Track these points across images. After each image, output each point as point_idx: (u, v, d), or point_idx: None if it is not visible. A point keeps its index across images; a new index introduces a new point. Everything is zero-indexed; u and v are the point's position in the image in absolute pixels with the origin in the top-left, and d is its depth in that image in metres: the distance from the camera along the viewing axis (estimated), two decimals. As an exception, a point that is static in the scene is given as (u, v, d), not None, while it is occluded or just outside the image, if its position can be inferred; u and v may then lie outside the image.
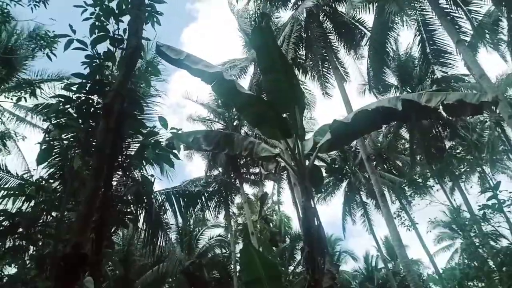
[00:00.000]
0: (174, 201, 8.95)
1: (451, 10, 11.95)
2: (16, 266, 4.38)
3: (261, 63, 6.12)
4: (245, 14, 18.58)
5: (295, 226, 24.30)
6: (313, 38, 15.48)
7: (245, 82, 18.25)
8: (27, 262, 4.18)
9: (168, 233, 9.03)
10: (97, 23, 4.76)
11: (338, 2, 15.95)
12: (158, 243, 8.19)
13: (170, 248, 9.45)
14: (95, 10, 4.76)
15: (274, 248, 22.12)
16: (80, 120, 4.56)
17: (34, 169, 5.14)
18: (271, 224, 22.89)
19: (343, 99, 14.31)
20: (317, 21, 15.86)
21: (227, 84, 5.99)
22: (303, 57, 16.81)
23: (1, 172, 8.01)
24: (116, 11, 4.83)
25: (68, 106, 4.66)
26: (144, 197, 7.13)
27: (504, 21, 12.73)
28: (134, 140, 5.55)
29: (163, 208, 8.62)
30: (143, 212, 7.62)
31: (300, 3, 16.15)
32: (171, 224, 9.24)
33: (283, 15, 17.34)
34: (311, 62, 16.61)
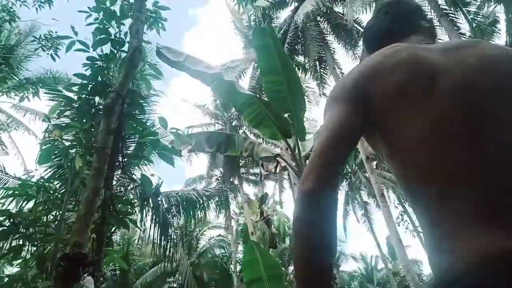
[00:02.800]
0: (174, 204, 9.00)
1: (450, 11, 12.00)
2: (18, 265, 4.40)
3: (262, 63, 6.15)
4: (243, 15, 18.62)
5: (295, 226, 24.29)
6: (310, 38, 15.52)
7: (244, 83, 18.27)
8: (28, 261, 4.19)
9: (176, 233, 9.07)
10: (100, 26, 4.83)
11: (335, 3, 15.98)
12: (167, 244, 8.21)
13: (176, 248, 9.47)
14: (99, 15, 4.83)
15: (272, 249, 22.04)
16: (81, 121, 4.59)
17: (36, 169, 5.15)
18: (272, 225, 22.83)
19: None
20: (314, 21, 15.89)
21: (226, 85, 6.02)
22: (301, 57, 16.84)
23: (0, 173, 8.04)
24: (118, 14, 4.89)
25: (69, 106, 4.70)
26: (150, 198, 7.18)
27: (502, 22, 12.79)
28: (134, 140, 5.57)
29: (171, 211, 8.66)
30: (149, 213, 7.65)
31: (297, 4, 16.19)
32: (176, 224, 9.27)
33: (280, 16, 17.36)
34: (308, 63, 16.65)
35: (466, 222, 0.67)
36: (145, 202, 7.42)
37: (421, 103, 0.79)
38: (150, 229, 7.82)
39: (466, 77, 0.81)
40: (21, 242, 4.17)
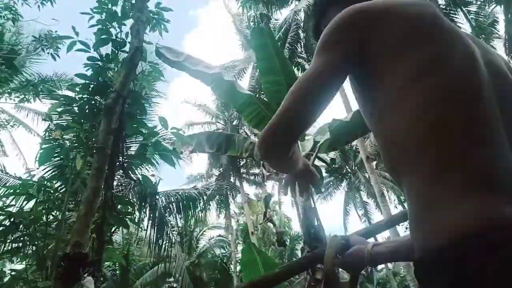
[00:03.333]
0: (174, 203, 9.02)
1: (450, 11, 12.01)
2: (19, 263, 4.42)
3: (261, 63, 6.16)
4: (242, 16, 18.65)
5: (295, 226, 24.36)
6: (310, 37, 15.49)
7: (244, 83, 18.29)
8: (29, 260, 4.20)
9: (173, 232, 9.09)
10: (102, 27, 4.86)
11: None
12: (163, 243, 8.24)
13: (172, 248, 9.51)
14: (101, 17, 4.86)
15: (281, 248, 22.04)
16: (82, 120, 4.61)
17: (37, 168, 5.16)
18: (276, 224, 22.88)
19: (342, 98, 14.37)
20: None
21: (226, 85, 6.03)
22: (302, 57, 16.83)
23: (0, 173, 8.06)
24: (119, 15, 4.92)
25: (70, 106, 4.71)
26: (148, 198, 7.19)
27: (501, 23, 12.81)
28: (135, 140, 5.59)
29: (168, 210, 8.68)
30: (147, 213, 7.67)
31: (297, 3, 16.19)
32: (173, 223, 9.28)
33: (280, 17, 17.36)
34: (308, 62, 16.64)
35: (459, 191, 0.63)
36: (143, 202, 7.44)
37: (425, 53, 0.74)
38: (147, 228, 7.85)
39: (472, 45, 0.80)
40: (21, 241, 4.18)
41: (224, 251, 21.37)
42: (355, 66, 0.82)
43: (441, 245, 0.61)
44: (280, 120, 0.81)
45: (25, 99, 8.87)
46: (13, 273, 4.34)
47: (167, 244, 8.41)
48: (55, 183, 4.98)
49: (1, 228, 4.08)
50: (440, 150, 0.67)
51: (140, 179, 5.69)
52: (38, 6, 8.01)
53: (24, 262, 4.30)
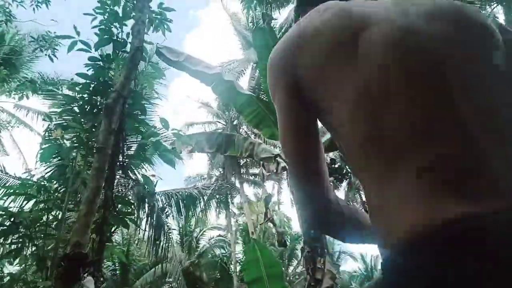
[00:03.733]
0: (174, 203, 9.02)
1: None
2: (18, 264, 4.41)
3: (262, 63, 6.15)
4: (242, 16, 18.66)
5: (295, 226, 24.35)
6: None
7: (243, 83, 18.28)
8: (28, 260, 4.20)
9: (170, 234, 9.08)
10: (105, 28, 4.88)
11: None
12: (161, 244, 8.24)
13: (171, 248, 9.52)
14: (104, 17, 4.87)
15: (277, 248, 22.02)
16: (82, 120, 4.61)
17: (36, 168, 5.16)
18: (276, 225, 22.88)
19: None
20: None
21: (226, 85, 6.03)
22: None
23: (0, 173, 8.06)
24: (121, 15, 4.92)
25: (71, 106, 4.72)
26: (146, 198, 7.19)
27: (501, 22, 12.81)
28: (136, 140, 5.59)
29: (165, 212, 8.68)
30: (145, 213, 7.68)
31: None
32: (170, 225, 9.28)
33: (280, 16, 17.32)
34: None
35: (410, 192, 0.60)
36: (142, 202, 7.44)
37: (347, 68, 0.67)
38: (145, 229, 7.85)
39: (402, 26, 0.67)
40: (21, 242, 4.18)
41: (224, 251, 21.37)
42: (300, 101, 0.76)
43: (390, 246, 0.61)
44: (292, 182, 0.80)
45: (23, 95, 8.82)
46: (8, 278, 4.34)
47: (164, 244, 8.41)
48: (55, 183, 4.98)
49: (1, 228, 4.08)
50: (380, 154, 0.64)
51: (140, 179, 5.69)
52: (34, 8, 7.99)
53: (22, 265, 4.29)
